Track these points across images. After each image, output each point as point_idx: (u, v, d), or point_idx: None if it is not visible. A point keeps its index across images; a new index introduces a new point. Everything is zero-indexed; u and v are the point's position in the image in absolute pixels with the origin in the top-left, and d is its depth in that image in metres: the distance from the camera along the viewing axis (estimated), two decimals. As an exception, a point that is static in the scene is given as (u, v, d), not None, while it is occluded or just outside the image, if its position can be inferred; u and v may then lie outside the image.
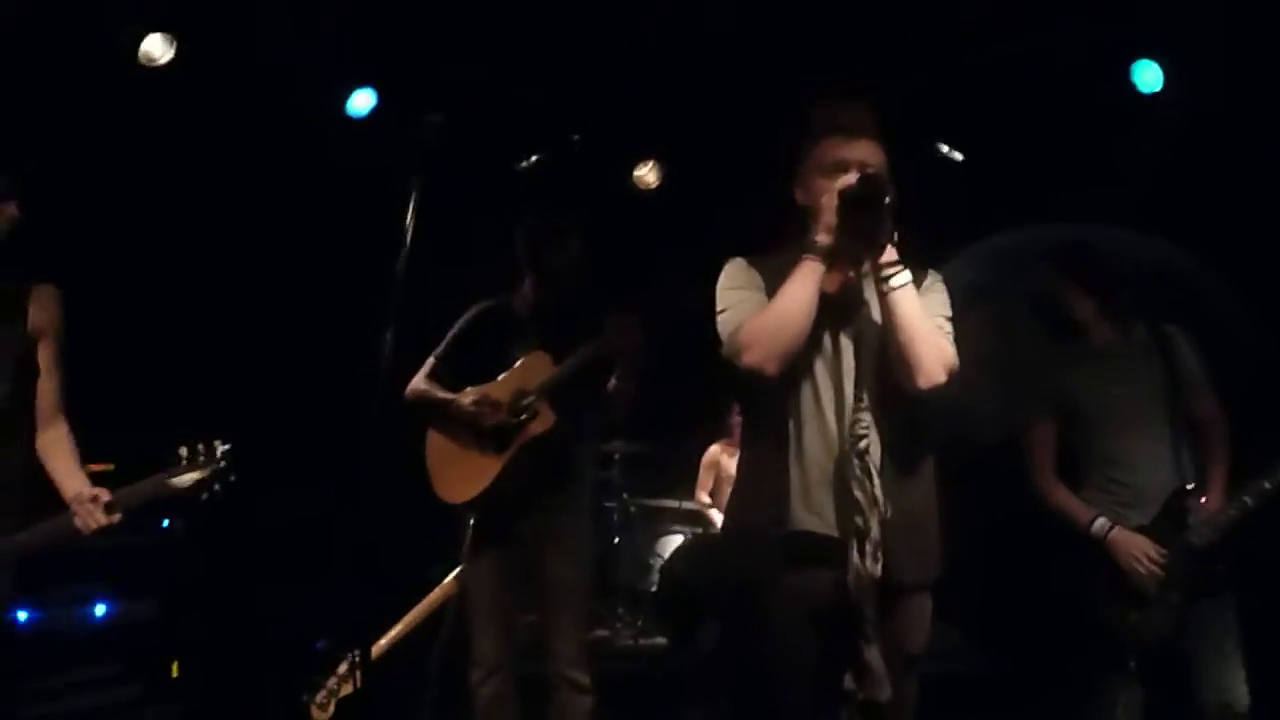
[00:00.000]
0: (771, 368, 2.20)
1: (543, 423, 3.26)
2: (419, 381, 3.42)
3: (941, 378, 2.19)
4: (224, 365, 5.15)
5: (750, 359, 2.20)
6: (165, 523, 4.41)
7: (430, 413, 3.40)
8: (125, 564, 4.23)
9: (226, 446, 2.77)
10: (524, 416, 3.28)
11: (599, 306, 3.28)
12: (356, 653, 3.70)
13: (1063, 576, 3.16)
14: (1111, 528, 3.03)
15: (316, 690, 3.77)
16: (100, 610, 4.14)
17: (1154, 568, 2.96)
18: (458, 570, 3.60)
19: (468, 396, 3.34)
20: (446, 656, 3.36)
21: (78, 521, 2.64)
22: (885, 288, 2.17)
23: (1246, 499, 2.94)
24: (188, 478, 2.73)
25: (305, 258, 5.35)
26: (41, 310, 2.75)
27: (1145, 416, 3.07)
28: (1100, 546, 3.03)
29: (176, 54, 4.71)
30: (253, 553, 4.85)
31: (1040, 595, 3.35)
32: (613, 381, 3.29)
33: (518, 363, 3.36)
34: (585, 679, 3.29)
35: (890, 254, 2.19)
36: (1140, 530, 3.02)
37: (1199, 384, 3.10)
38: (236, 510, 3.03)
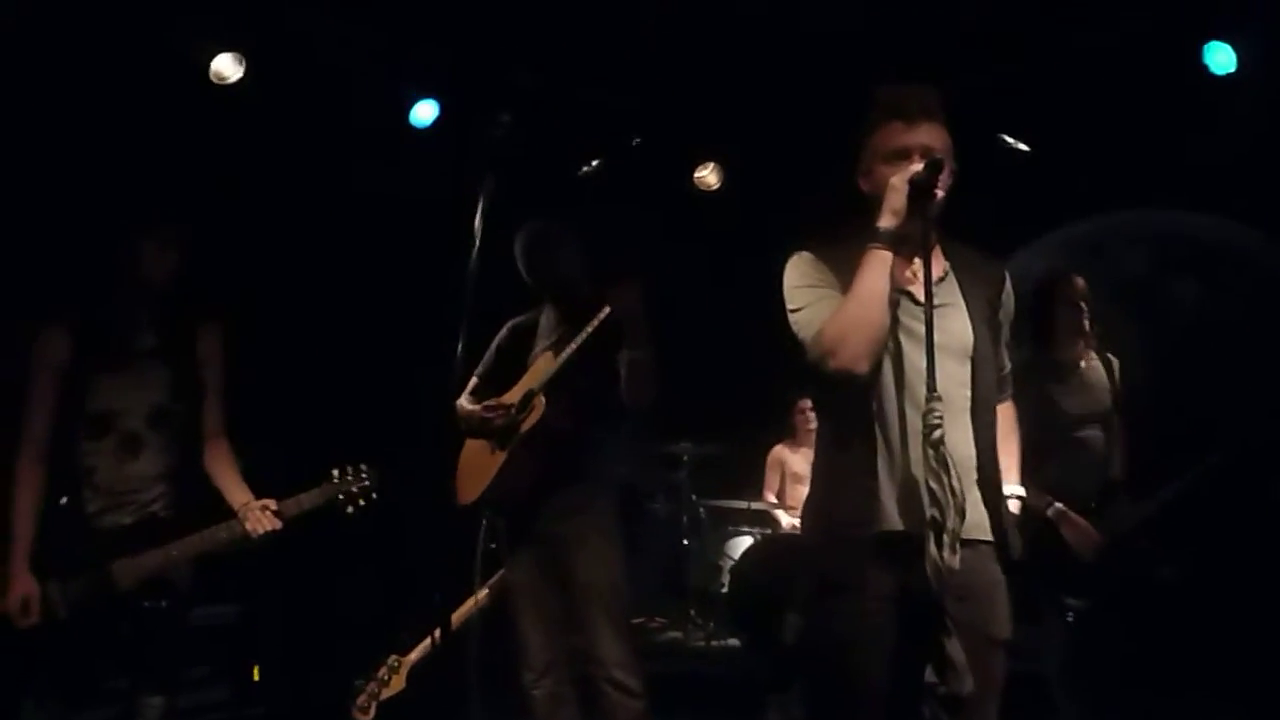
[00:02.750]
0: (862, 367, 2.17)
1: (535, 414, 3.28)
2: (461, 399, 3.48)
3: None
4: (294, 372, 5.25)
5: (839, 362, 2.16)
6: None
7: (467, 427, 3.45)
8: (206, 569, 4.33)
9: (370, 467, 3.20)
10: (523, 413, 3.31)
11: (599, 296, 3.23)
12: (396, 656, 3.81)
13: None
14: (1061, 509, 3.55)
15: (358, 694, 3.81)
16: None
17: (1092, 543, 3.54)
18: (495, 578, 3.61)
19: (480, 405, 3.40)
20: (484, 661, 3.39)
21: (249, 525, 3.03)
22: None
23: (1160, 497, 3.58)
24: (339, 493, 3.14)
25: (374, 266, 5.43)
26: (207, 343, 3.16)
27: (1088, 424, 3.68)
28: (1053, 526, 3.54)
29: (246, 72, 4.83)
30: (332, 558, 4.93)
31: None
32: (624, 353, 3.18)
33: (531, 368, 3.41)
34: (633, 681, 3.19)
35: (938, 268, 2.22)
36: (1083, 514, 3.57)
37: (1120, 406, 3.75)
38: (318, 517, 3.17)
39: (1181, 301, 5.41)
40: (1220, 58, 4.93)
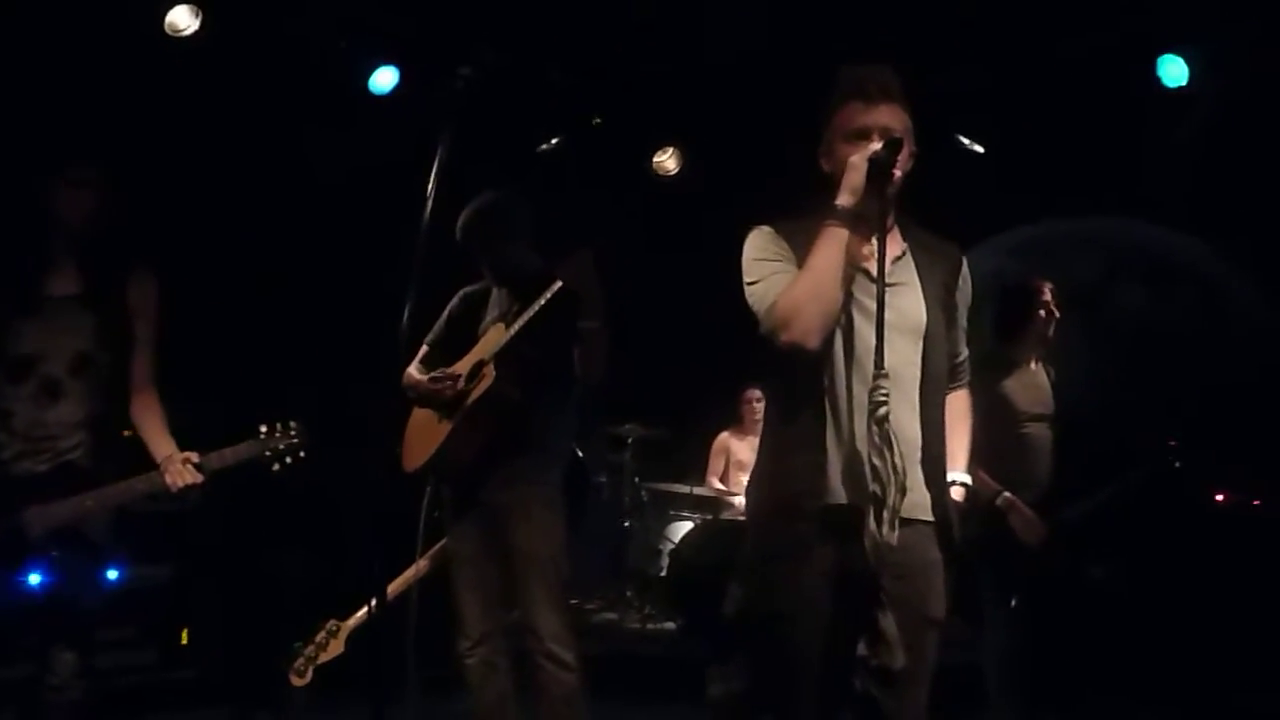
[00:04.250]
0: (812, 341, 2.19)
1: (484, 384, 3.25)
2: (411, 368, 3.44)
3: None
4: (239, 334, 5.17)
5: (790, 335, 2.18)
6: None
7: (415, 396, 3.42)
8: (138, 530, 4.25)
9: (300, 425, 3.10)
10: (473, 382, 3.28)
11: (549, 270, 3.21)
12: (335, 621, 3.77)
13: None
14: (1009, 499, 3.60)
15: (295, 658, 3.77)
16: (112, 575, 4.15)
17: (1038, 533, 3.58)
18: (436, 547, 3.59)
19: (428, 374, 3.38)
20: (421, 631, 3.37)
21: (168, 478, 2.93)
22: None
23: (1106, 491, 3.71)
24: (265, 449, 3.04)
25: (325, 229, 5.36)
26: (138, 292, 3.06)
27: (1036, 420, 3.76)
28: (1000, 515, 3.59)
29: (201, 25, 4.74)
30: (265, 521, 4.86)
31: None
32: (581, 323, 3.15)
33: (481, 338, 3.39)
34: (568, 655, 3.19)
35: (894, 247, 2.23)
36: (1031, 506, 3.62)
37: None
38: (251, 479, 3.10)
39: (1127, 309, 5.52)
40: (1173, 70, 5.04)
